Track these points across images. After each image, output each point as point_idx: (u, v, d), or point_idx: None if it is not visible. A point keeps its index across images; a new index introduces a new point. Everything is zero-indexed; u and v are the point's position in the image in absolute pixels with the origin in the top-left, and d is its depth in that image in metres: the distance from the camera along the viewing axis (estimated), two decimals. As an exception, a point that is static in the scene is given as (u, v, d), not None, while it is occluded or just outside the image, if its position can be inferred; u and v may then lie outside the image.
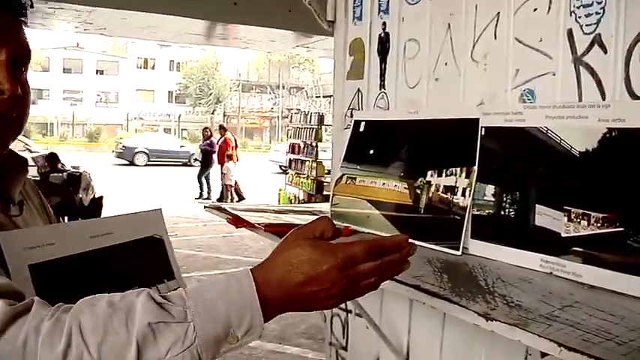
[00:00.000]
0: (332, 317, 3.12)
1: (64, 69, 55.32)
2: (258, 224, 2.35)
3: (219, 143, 15.81)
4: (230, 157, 15.42)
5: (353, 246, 0.97)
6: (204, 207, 2.96)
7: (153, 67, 57.11)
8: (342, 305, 2.97)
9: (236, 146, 16.05)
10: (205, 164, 16.39)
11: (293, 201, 13.75)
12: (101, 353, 0.80)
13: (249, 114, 58.74)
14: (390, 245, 1.03)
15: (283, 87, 52.75)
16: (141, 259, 1.36)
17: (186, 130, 51.49)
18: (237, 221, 2.43)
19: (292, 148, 14.58)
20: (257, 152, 38.64)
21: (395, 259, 1.02)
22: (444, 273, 1.85)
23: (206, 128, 17.68)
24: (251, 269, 0.94)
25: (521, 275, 1.82)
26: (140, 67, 56.04)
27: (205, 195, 15.95)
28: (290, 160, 14.73)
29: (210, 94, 55.61)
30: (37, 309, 0.84)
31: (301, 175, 13.81)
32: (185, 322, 0.84)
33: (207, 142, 16.50)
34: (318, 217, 1.06)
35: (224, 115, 57.40)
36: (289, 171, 14.77)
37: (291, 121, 15.36)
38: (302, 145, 14.09)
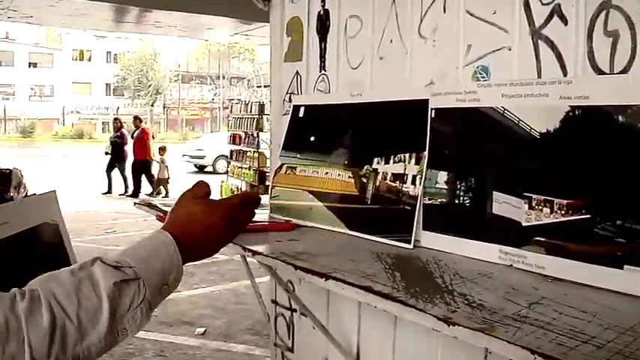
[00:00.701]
0: (276, 317, 2.92)
1: (-7, 61, 53.47)
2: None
3: (136, 135, 14.87)
4: (163, 150, 14.91)
5: (232, 199, 1.26)
6: (135, 204, 2.73)
7: (89, 59, 55.45)
8: (287, 304, 2.78)
9: (153, 137, 15.38)
10: (119, 157, 15.15)
11: (235, 192, 13.49)
12: (80, 319, 0.91)
13: (189, 105, 57.81)
14: (252, 198, 1.34)
15: (224, 77, 52.13)
16: (34, 250, 1.37)
17: (125, 123, 50.39)
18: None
19: (233, 139, 14.32)
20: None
21: (255, 207, 1.35)
22: (395, 270, 1.67)
23: (116, 119, 16.75)
24: (164, 228, 1.13)
25: (479, 269, 1.67)
26: (76, 59, 54.31)
27: (130, 191, 15.02)
28: (231, 151, 14.47)
29: (149, 86, 54.45)
30: None
31: (243, 166, 13.57)
32: (137, 278, 1.00)
33: (118, 133, 15.45)
34: (197, 181, 1.25)
35: (164, 107, 56.36)
36: (231, 162, 14.50)
37: (231, 112, 15.07)
38: (243, 136, 13.83)
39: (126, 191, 14.97)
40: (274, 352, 2.97)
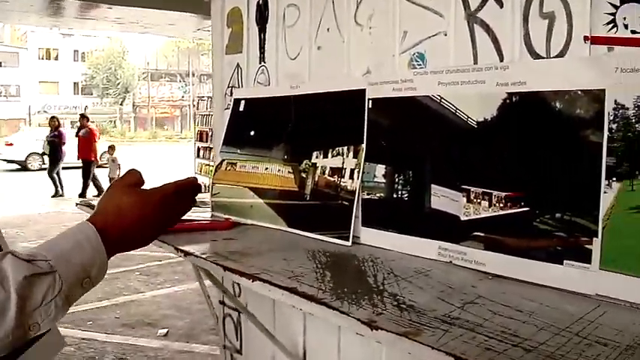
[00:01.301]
0: (224, 318, 2.80)
1: (-45, 61, 52.26)
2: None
3: (82, 134, 13.79)
4: (112, 149, 14.12)
5: (165, 187, 1.16)
6: (76, 204, 2.59)
7: (56, 58, 54.22)
8: (233, 305, 2.65)
9: (98, 138, 14.43)
10: (55, 158, 14.20)
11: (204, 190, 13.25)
12: None
13: (159, 103, 57.11)
14: (188, 185, 1.23)
15: (193, 74, 51.57)
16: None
17: (94, 122, 49.59)
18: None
19: (200, 136, 14.11)
20: (168, 142, 37.62)
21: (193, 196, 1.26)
22: (327, 270, 1.56)
23: (53, 118, 15.10)
24: (89, 220, 1.07)
25: (418, 267, 1.56)
26: (42, 58, 53.07)
27: (60, 192, 14.03)
28: (198, 149, 14.25)
29: (118, 84, 53.60)
30: None
31: (210, 164, 13.38)
32: (51, 271, 0.96)
33: (55, 133, 14.26)
34: (128, 170, 1.19)
35: (133, 105, 55.62)
36: (198, 160, 14.29)
37: (197, 109, 14.85)
38: (210, 133, 13.63)
39: (56, 193, 13.98)
40: (224, 355, 2.86)
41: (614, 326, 1.14)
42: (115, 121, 51.90)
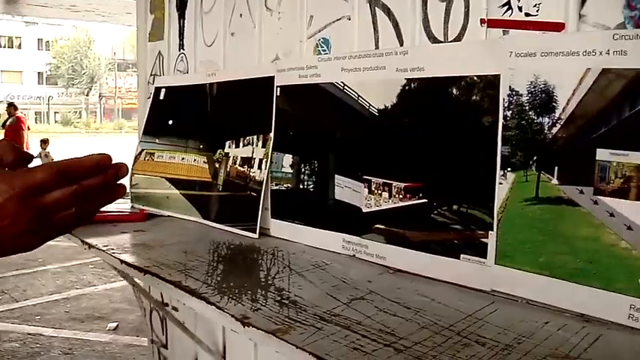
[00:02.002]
0: (151, 312, 2.69)
1: None
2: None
3: (9, 124, 12.77)
4: (46, 143, 13.15)
5: (36, 171, 0.77)
6: None
7: (19, 47, 52.81)
8: (160, 298, 2.54)
9: (28, 128, 13.36)
10: None
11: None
12: None
13: (126, 94, 56.10)
14: (88, 166, 0.82)
15: (160, 65, 50.68)
16: None
17: (58, 112, 48.50)
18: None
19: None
20: (134, 133, 36.99)
21: (96, 182, 0.82)
22: (222, 263, 1.47)
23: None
24: None
25: (318, 260, 1.47)
26: (4, 47, 51.83)
27: None
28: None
29: (84, 75, 52.51)
30: None
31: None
32: None
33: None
34: None
35: (100, 96, 54.57)
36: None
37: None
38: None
39: None
40: (151, 349, 2.74)
41: (501, 324, 1.07)
42: (80, 112, 50.88)
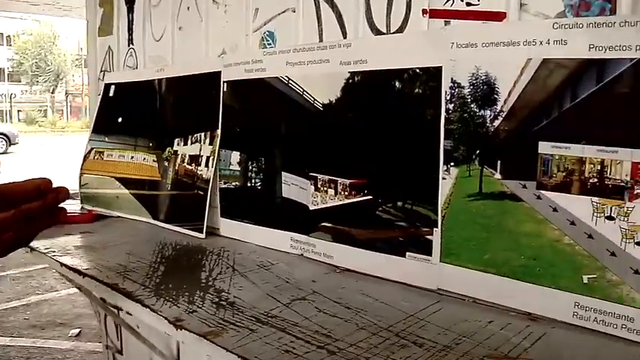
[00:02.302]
0: (105, 317, 2.61)
1: None
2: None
3: None
4: None
5: None
6: None
7: (-22, 42, 51.87)
8: (112, 301, 2.46)
9: None
10: None
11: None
12: None
13: (95, 92, 54.88)
14: (28, 190, 0.85)
15: (130, 63, 49.95)
16: None
17: (22, 111, 47.48)
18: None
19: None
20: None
21: (36, 206, 0.85)
22: (164, 264, 1.41)
23: None
24: None
25: (265, 260, 1.43)
26: None
27: None
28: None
29: (49, 71, 51.35)
30: None
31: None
32: None
33: None
34: None
35: (66, 94, 53.56)
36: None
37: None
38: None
39: None
40: (106, 355, 2.67)
41: (443, 324, 1.03)
42: (45, 110, 49.80)
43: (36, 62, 50.46)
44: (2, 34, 50.28)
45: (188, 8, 1.84)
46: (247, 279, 1.29)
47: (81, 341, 5.10)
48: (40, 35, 49.67)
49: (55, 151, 18.35)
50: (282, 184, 1.47)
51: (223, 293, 1.19)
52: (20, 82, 51.22)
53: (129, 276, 1.30)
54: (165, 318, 1.06)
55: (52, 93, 51.62)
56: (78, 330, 5.18)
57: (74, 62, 51.61)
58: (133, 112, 2.06)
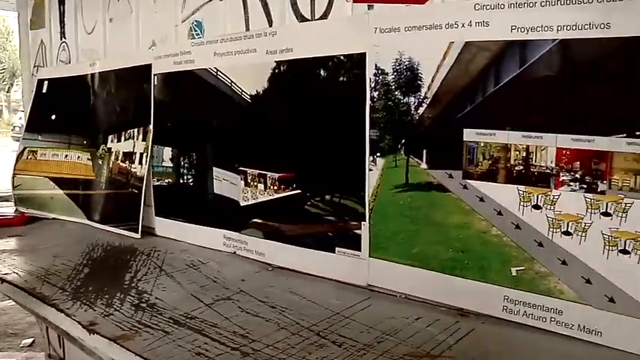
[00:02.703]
0: (47, 327, 2.52)
1: None
2: None
3: None
4: None
5: None
6: None
7: None
8: (30, 307, 2.38)
9: None
10: None
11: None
12: None
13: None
14: None
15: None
16: None
17: (-18, 113, 46.57)
18: None
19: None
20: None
21: None
22: (89, 267, 1.35)
23: None
24: None
25: (195, 260, 1.37)
26: None
27: None
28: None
29: (3, 69, 50.47)
30: None
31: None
32: None
33: None
34: None
35: (23, 93, 52.54)
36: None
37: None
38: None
39: None
40: (50, 364, 2.59)
41: (368, 322, 0.99)
42: (1, 111, 48.84)
43: (-12, 60, 49.18)
44: (-50, 30, 49.05)
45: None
46: (173, 279, 1.23)
47: (35, 350, 4.95)
48: (-8, 31, 48.49)
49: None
50: (214, 180, 1.41)
51: (145, 295, 1.13)
52: (-30, 80, 49.89)
53: (49, 280, 1.24)
54: (79, 322, 1.02)
55: (8, 92, 50.38)
56: (31, 340, 5.01)
57: (33, 60, 50.48)
58: (67, 108, 1.98)
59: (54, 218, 1.91)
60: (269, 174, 1.28)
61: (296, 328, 0.96)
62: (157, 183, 1.59)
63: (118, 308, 1.06)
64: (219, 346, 0.89)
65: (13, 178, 2.07)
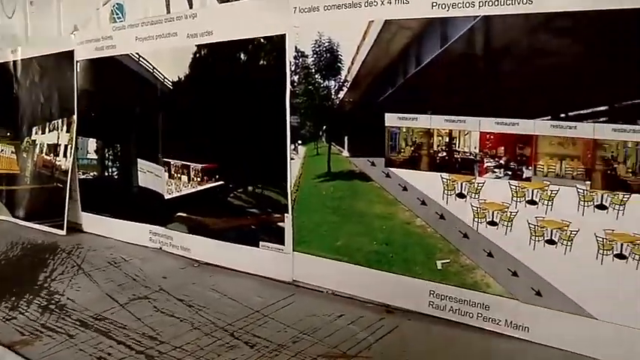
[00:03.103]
0: None
1: None
2: None
3: None
4: None
5: None
6: None
7: None
8: None
9: None
10: None
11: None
12: None
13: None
14: None
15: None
16: None
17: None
18: None
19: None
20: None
21: None
22: (3, 266, 1.27)
23: None
24: None
25: (118, 257, 1.30)
26: None
27: None
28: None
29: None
30: None
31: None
32: None
33: None
34: None
35: None
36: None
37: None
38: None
39: None
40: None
41: (287, 320, 0.94)
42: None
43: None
44: None
45: (40, -20, 1.67)
46: (90, 278, 1.16)
47: None
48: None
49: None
50: (139, 172, 1.34)
51: (56, 295, 1.07)
52: None
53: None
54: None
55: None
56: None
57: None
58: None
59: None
60: (192, 165, 1.21)
61: (210, 328, 0.90)
62: (83, 176, 1.51)
63: (23, 311, 0.99)
64: (124, 350, 0.83)
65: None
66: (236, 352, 0.81)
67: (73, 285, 1.12)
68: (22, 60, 1.71)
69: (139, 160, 1.34)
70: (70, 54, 1.51)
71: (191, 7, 1.23)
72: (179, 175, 1.24)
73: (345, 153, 0.98)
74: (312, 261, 1.04)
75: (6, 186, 1.74)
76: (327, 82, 0.98)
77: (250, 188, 1.11)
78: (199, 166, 1.19)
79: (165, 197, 1.28)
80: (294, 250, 1.06)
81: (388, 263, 0.95)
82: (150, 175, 1.32)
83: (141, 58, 1.31)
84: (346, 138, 0.97)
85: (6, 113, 1.77)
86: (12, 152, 1.74)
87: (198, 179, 1.20)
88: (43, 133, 1.63)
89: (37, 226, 1.58)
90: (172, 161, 1.25)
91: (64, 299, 1.05)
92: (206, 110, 1.17)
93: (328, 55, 0.97)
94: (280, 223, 1.07)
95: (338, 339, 0.85)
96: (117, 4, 1.40)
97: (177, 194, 1.25)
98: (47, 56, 1.60)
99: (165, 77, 1.25)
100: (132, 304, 1.02)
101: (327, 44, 0.97)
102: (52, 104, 1.59)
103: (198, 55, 1.18)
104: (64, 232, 1.49)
